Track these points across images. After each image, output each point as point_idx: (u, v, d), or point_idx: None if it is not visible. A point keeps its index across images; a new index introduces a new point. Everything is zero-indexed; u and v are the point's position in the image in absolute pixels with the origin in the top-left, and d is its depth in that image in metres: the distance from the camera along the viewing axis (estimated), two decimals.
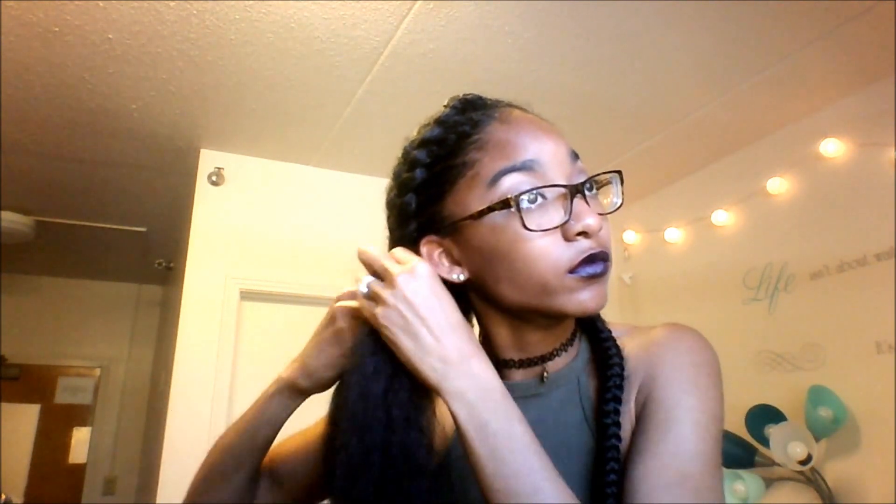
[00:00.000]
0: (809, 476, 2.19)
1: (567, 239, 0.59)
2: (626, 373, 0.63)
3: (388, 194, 0.70)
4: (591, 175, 0.63)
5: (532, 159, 0.61)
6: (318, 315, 0.72)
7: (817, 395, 2.15)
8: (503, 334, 0.67)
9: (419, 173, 0.65)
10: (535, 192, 0.59)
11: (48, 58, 2.03)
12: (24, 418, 4.84)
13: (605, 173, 0.65)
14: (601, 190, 0.65)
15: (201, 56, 2.06)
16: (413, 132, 0.70)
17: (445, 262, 0.65)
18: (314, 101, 2.35)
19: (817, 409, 2.12)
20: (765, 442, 2.22)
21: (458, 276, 0.64)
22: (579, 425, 0.63)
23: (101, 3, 1.81)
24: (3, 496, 4.04)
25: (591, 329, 0.69)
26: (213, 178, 2.65)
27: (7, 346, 4.26)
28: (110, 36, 1.94)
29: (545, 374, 0.66)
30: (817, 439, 2.11)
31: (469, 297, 0.68)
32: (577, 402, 0.65)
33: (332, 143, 2.66)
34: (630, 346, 0.65)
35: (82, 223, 3.41)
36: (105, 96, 2.26)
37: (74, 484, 4.46)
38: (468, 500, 0.65)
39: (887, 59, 2.13)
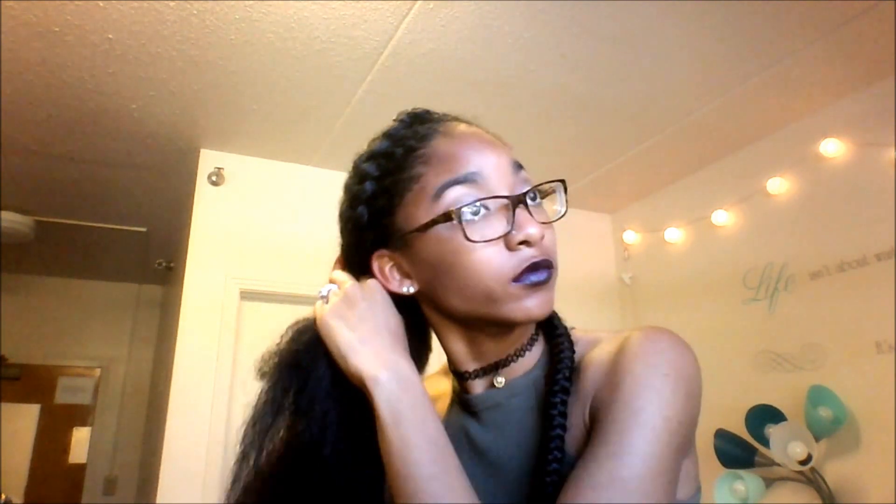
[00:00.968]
0: (809, 476, 2.19)
1: (510, 248, 0.60)
2: (584, 377, 0.62)
3: (341, 206, 0.72)
4: (533, 185, 0.64)
5: (474, 172, 0.62)
6: None
7: (817, 395, 2.15)
8: (459, 346, 0.68)
9: (369, 186, 0.67)
10: (476, 204, 0.60)
11: (48, 58, 2.03)
12: (24, 418, 4.84)
13: (547, 182, 0.66)
14: (547, 198, 0.67)
15: (201, 56, 2.06)
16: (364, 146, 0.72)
17: (396, 275, 0.66)
18: (314, 101, 2.35)
19: (817, 409, 2.12)
20: (765, 442, 2.22)
21: (408, 288, 0.66)
22: (537, 433, 0.63)
23: (101, 3, 1.81)
24: (3, 496, 4.04)
25: (549, 329, 0.69)
26: (213, 178, 2.65)
27: (7, 346, 4.25)
28: (110, 36, 1.94)
29: (498, 380, 0.67)
30: (817, 439, 2.11)
31: (423, 312, 0.69)
32: (535, 409, 0.64)
33: (332, 143, 2.66)
34: (598, 352, 0.64)
35: (82, 223, 3.41)
36: (105, 96, 2.26)
37: (74, 484, 4.46)
38: None
39: (887, 59, 2.13)
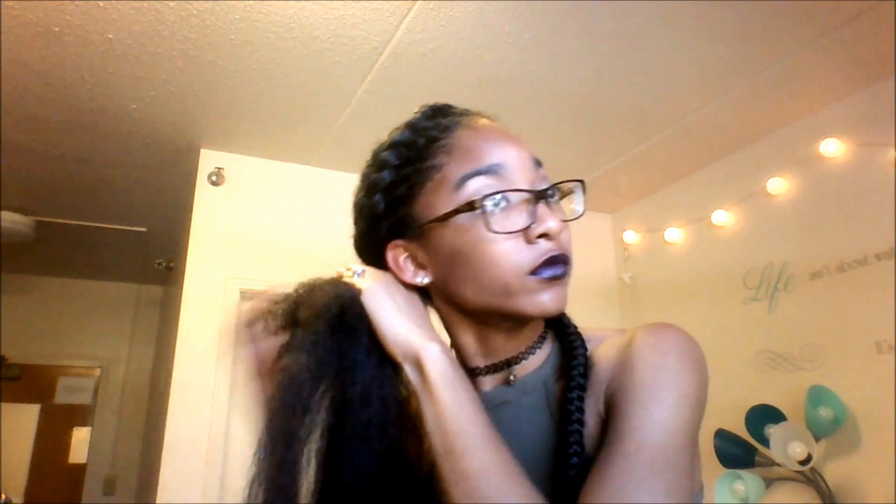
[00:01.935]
0: (809, 476, 2.19)
1: (529, 242, 0.61)
2: (595, 372, 0.63)
3: (357, 195, 0.71)
4: (554, 183, 0.65)
5: (497, 163, 0.62)
6: None
7: (817, 395, 2.15)
8: (469, 340, 0.68)
9: (387, 174, 0.67)
10: (500, 195, 0.61)
11: (48, 58, 2.03)
12: (24, 418, 4.85)
13: (568, 181, 0.67)
14: (565, 198, 0.68)
15: (201, 56, 2.06)
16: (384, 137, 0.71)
17: (410, 266, 0.66)
18: (314, 101, 2.35)
19: (817, 409, 2.12)
20: (765, 442, 2.22)
21: (422, 279, 0.66)
22: (548, 431, 0.63)
23: (101, 3, 1.81)
24: (3, 496, 4.04)
25: (559, 329, 0.69)
26: (213, 178, 2.65)
27: (7, 346, 4.25)
28: (110, 36, 1.94)
29: (512, 377, 0.67)
30: (817, 439, 2.11)
31: (435, 305, 0.69)
32: (545, 407, 0.65)
33: (332, 143, 2.66)
34: (605, 348, 0.65)
35: (82, 223, 3.41)
36: (105, 96, 2.26)
37: (74, 484, 4.46)
38: None
39: (887, 59, 2.13)
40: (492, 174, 0.62)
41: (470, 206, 0.60)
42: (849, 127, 2.33)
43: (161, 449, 2.33)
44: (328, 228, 2.75)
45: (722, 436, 2.35)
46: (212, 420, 2.39)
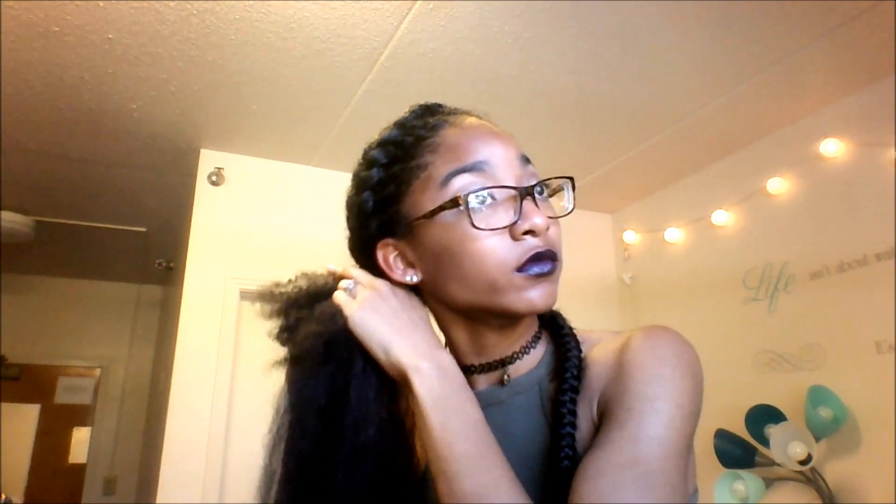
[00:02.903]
0: (809, 476, 2.19)
1: (515, 238, 0.60)
2: (589, 374, 0.63)
3: (348, 193, 0.72)
4: (541, 179, 0.65)
5: (482, 161, 0.62)
6: None
7: (817, 395, 2.15)
8: (461, 338, 0.68)
9: (376, 172, 0.67)
10: (484, 192, 0.61)
11: (48, 58, 2.03)
12: (24, 418, 4.84)
13: (556, 178, 0.67)
14: (555, 196, 0.68)
15: (201, 56, 2.06)
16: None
17: (400, 264, 0.67)
18: (314, 101, 2.35)
19: (817, 409, 2.12)
20: (765, 442, 2.22)
21: (412, 277, 0.66)
22: (541, 431, 0.63)
23: (101, 3, 1.81)
24: (3, 496, 4.04)
25: (554, 329, 0.69)
26: (213, 178, 2.65)
27: (7, 346, 4.25)
28: (110, 36, 1.94)
29: (506, 377, 0.67)
30: (817, 439, 2.11)
31: (428, 303, 0.69)
32: (539, 408, 0.64)
33: (332, 143, 2.66)
34: (600, 350, 0.64)
35: (82, 223, 3.41)
36: (105, 96, 2.26)
37: (74, 484, 4.46)
38: None
39: (887, 59, 2.13)
40: (477, 171, 0.62)
41: (454, 203, 0.61)
42: (849, 127, 2.33)
43: (161, 449, 2.33)
44: (328, 228, 2.75)
45: (722, 436, 2.35)
46: (212, 420, 2.39)
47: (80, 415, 4.85)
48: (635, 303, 3.25)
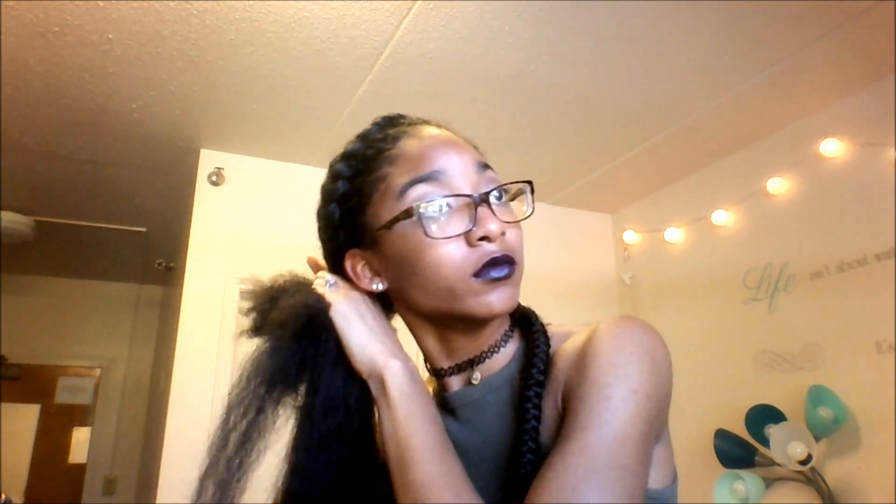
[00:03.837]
0: (809, 476, 2.19)
1: (471, 245, 0.61)
2: (556, 368, 0.64)
3: (317, 205, 0.74)
4: (498, 185, 0.65)
5: (437, 170, 0.64)
6: None
7: (817, 395, 2.15)
8: (431, 343, 0.69)
9: (341, 185, 0.69)
10: (437, 201, 0.62)
11: (48, 58, 2.03)
12: (24, 418, 4.84)
13: (512, 183, 0.67)
14: (517, 199, 0.68)
15: (201, 56, 2.06)
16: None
17: (367, 273, 0.68)
18: (314, 101, 2.35)
19: (817, 409, 2.12)
20: (765, 442, 2.22)
21: (378, 285, 0.68)
22: (512, 428, 0.64)
23: (101, 3, 1.81)
24: (3, 496, 4.04)
25: (526, 326, 0.70)
26: (213, 178, 2.65)
27: (7, 346, 4.25)
28: (110, 36, 1.94)
29: (474, 377, 0.68)
30: (817, 439, 2.11)
31: (397, 310, 0.71)
32: (510, 405, 0.65)
33: (332, 143, 2.65)
34: (570, 344, 0.65)
35: (82, 223, 3.41)
36: (105, 96, 2.26)
37: (74, 484, 4.46)
38: None
39: (887, 59, 2.13)
40: (432, 181, 0.63)
41: (407, 213, 0.62)
42: (849, 127, 2.33)
43: (161, 449, 2.33)
44: None
45: (722, 436, 2.35)
46: (212, 420, 2.38)
47: (80, 415, 4.85)
48: (635, 303, 3.25)
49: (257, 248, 2.65)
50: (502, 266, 0.61)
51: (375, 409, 0.63)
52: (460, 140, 0.69)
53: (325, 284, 0.68)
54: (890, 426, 2.05)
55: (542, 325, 0.70)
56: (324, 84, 2.23)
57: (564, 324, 0.71)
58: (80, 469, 4.52)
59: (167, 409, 2.38)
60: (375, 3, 1.83)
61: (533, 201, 0.68)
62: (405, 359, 0.64)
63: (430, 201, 0.62)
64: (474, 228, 0.61)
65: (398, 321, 0.72)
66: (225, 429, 0.64)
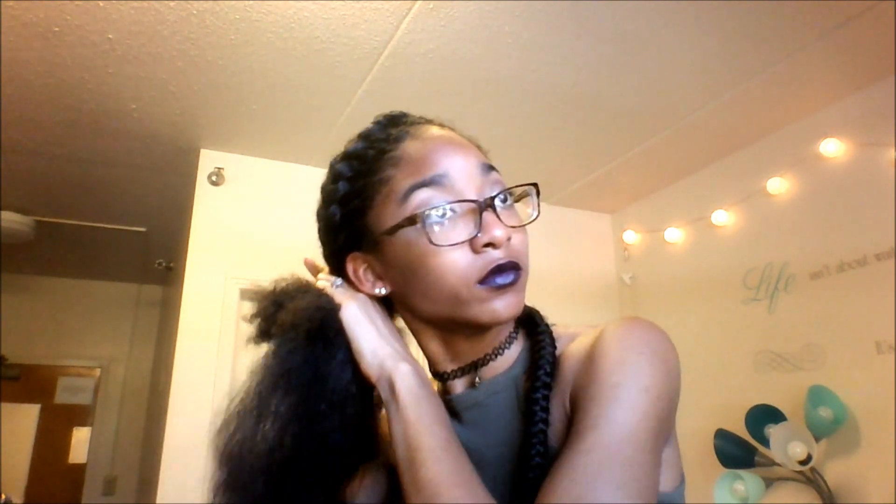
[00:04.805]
0: (809, 476, 2.19)
1: (475, 251, 0.60)
2: (563, 370, 0.63)
3: (317, 206, 0.73)
4: (504, 189, 0.64)
5: (441, 174, 0.62)
6: None
7: (817, 395, 2.15)
8: (435, 346, 0.69)
9: (342, 186, 0.68)
10: (442, 207, 0.61)
11: (48, 58, 2.03)
12: (24, 418, 4.84)
13: (518, 186, 0.66)
14: (522, 201, 0.67)
15: (201, 56, 2.05)
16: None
17: (370, 276, 0.67)
18: (314, 101, 2.35)
19: (817, 409, 2.12)
20: (765, 442, 2.22)
21: (381, 290, 0.67)
22: (518, 430, 0.63)
23: (101, 3, 1.81)
24: (3, 496, 4.04)
25: (531, 327, 0.69)
26: (213, 178, 2.65)
27: (7, 346, 4.25)
28: (110, 36, 1.94)
29: (477, 379, 0.67)
30: (817, 439, 2.11)
31: (400, 313, 0.70)
32: (515, 407, 0.65)
33: (332, 143, 2.64)
34: (576, 345, 0.64)
35: (82, 223, 3.41)
36: (105, 96, 2.26)
37: (74, 484, 4.46)
38: None
39: (887, 59, 2.13)
40: (436, 185, 0.62)
41: (411, 220, 0.61)
42: (849, 127, 2.33)
43: (161, 449, 2.33)
44: None
45: (722, 436, 2.35)
46: (212, 420, 2.38)
47: (80, 415, 4.85)
48: (635, 303, 3.25)
49: (257, 248, 2.65)
50: (508, 272, 0.61)
51: (384, 411, 0.62)
52: (464, 140, 0.68)
53: (331, 286, 0.67)
54: (890, 426, 2.05)
55: (547, 326, 0.69)
56: (324, 84, 2.23)
57: (569, 325, 0.70)
58: (80, 469, 4.52)
59: (167, 409, 2.38)
60: (375, 3, 1.83)
61: (539, 204, 0.67)
62: (414, 362, 0.63)
63: (434, 207, 0.61)
64: (479, 235, 0.60)
65: (398, 323, 0.71)
66: (232, 435, 0.65)
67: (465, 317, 0.61)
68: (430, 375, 0.72)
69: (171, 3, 1.82)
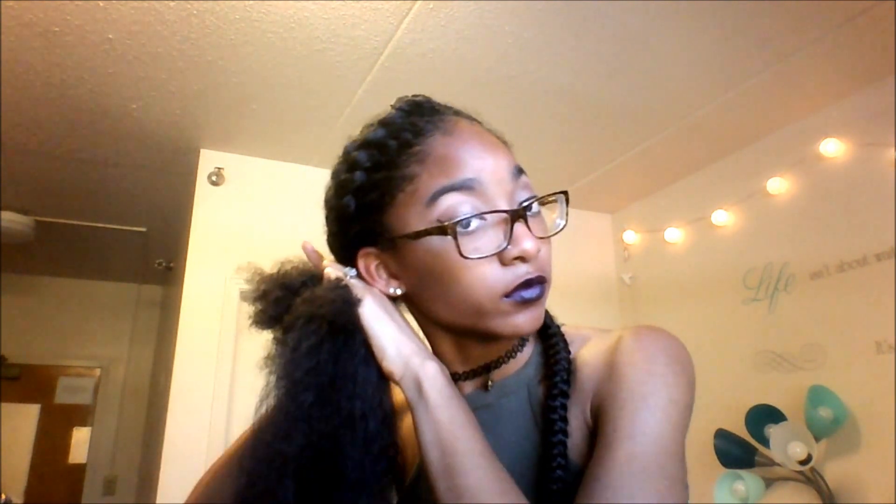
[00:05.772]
0: (809, 476, 2.19)
1: (504, 263, 0.58)
2: (579, 376, 0.62)
3: (327, 193, 0.69)
4: (535, 195, 0.62)
5: (471, 178, 0.59)
6: None
7: (817, 395, 2.15)
8: (446, 348, 0.67)
9: (358, 176, 0.64)
10: (473, 219, 0.58)
11: (48, 58, 2.03)
12: (24, 418, 4.83)
13: (550, 195, 0.64)
14: (547, 206, 0.64)
15: (201, 56, 2.05)
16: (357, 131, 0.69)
17: (383, 274, 0.64)
18: (314, 101, 2.35)
19: (817, 409, 2.12)
20: (765, 442, 2.22)
21: (395, 290, 0.64)
22: (530, 434, 0.63)
23: (101, 3, 1.81)
24: (3, 496, 4.04)
25: (542, 329, 0.68)
26: (213, 178, 2.65)
27: (7, 346, 4.25)
28: (110, 36, 1.94)
29: (490, 382, 0.66)
30: (817, 439, 2.11)
31: (411, 312, 0.68)
32: (526, 410, 0.64)
33: (332, 143, 2.65)
34: (590, 350, 0.64)
35: (82, 223, 3.41)
36: (105, 96, 2.26)
37: (74, 484, 4.46)
38: None
39: (887, 59, 2.13)
40: (466, 190, 0.58)
41: (441, 230, 0.58)
42: (849, 127, 2.33)
43: (161, 449, 2.33)
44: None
45: (722, 436, 2.35)
46: (212, 420, 2.39)
47: (80, 415, 4.84)
48: (635, 303, 3.25)
49: (257, 248, 2.65)
50: (535, 287, 0.59)
51: (409, 411, 0.59)
52: (493, 139, 0.64)
53: (346, 276, 0.63)
54: (890, 426, 2.05)
55: (558, 328, 0.68)
56: (324, 84, 2.23)
57: (578, 325, 0.69)
58: (80, 469, 4.52)
59: (167, 409, 2.38)
60: (375, 3, 1.83)
61: (567, 212, 0.64)
62: (436, 360, 0.60)
63: (465, 218, 0.57)
64: (510, 247, 0.57)
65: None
66: (262, 447, 0.58)
67: (485, 328, 0.60)
68: None
69: (171, 3, 1.82)
